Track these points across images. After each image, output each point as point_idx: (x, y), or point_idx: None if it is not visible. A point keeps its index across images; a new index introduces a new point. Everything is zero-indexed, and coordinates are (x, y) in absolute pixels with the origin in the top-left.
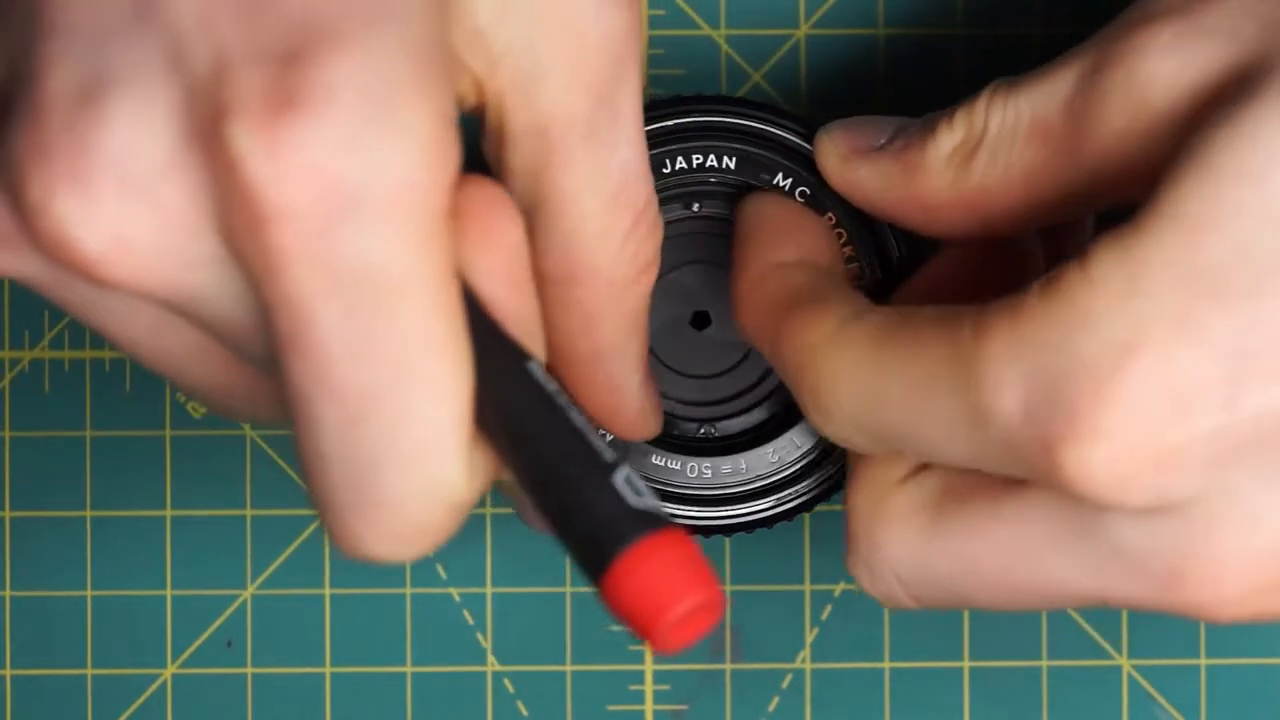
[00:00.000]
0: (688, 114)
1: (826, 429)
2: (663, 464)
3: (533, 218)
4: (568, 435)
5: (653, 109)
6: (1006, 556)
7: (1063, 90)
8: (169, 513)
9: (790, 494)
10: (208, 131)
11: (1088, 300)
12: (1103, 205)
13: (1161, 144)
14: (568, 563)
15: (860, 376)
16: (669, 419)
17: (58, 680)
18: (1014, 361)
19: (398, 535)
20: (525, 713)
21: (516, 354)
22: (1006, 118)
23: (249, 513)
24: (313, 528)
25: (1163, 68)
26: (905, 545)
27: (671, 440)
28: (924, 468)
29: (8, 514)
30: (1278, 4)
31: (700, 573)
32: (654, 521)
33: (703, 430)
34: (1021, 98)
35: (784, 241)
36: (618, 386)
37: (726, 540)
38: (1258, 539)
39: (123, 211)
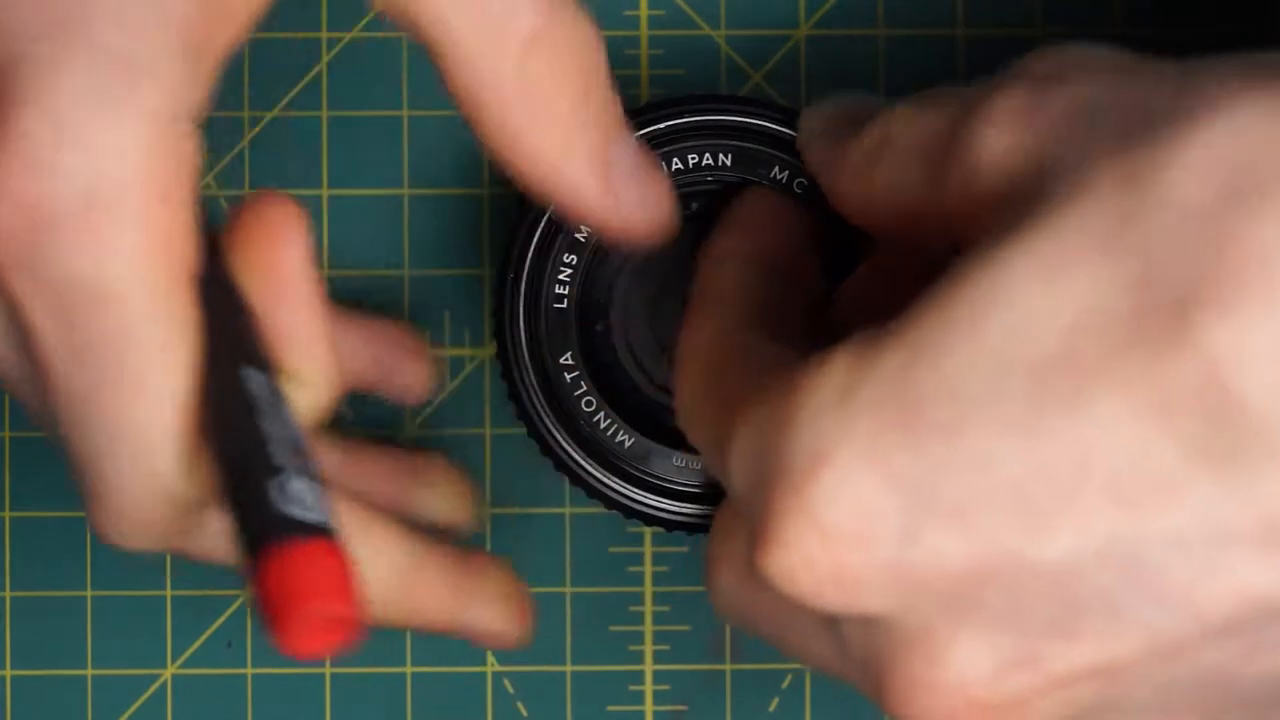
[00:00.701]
0: (679, 115)
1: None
2: (684, 465)
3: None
4: (250, 440)
5: (644, 112)
6: (772, 625)
7: (942, 123)
8: None
9: None
10: None
11: (809, 397)
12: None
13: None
14: (568, 563)
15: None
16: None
17: (58, 680)
18: (747, 440)
19: (126, 524)
20: (525, 713)
21: (236, 359)
22: (910, 131)
23: None
24: None
25: (996, 144)
26: (725, 583)
27: (674, 437)
28: None
29: (8, 514)
30: (1112, 120)
31: (337, 587)
32: (304, 529)
33: None
34: (929, 112)
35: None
36: (592, 172)
37: None
38: (942, 674)
39: None
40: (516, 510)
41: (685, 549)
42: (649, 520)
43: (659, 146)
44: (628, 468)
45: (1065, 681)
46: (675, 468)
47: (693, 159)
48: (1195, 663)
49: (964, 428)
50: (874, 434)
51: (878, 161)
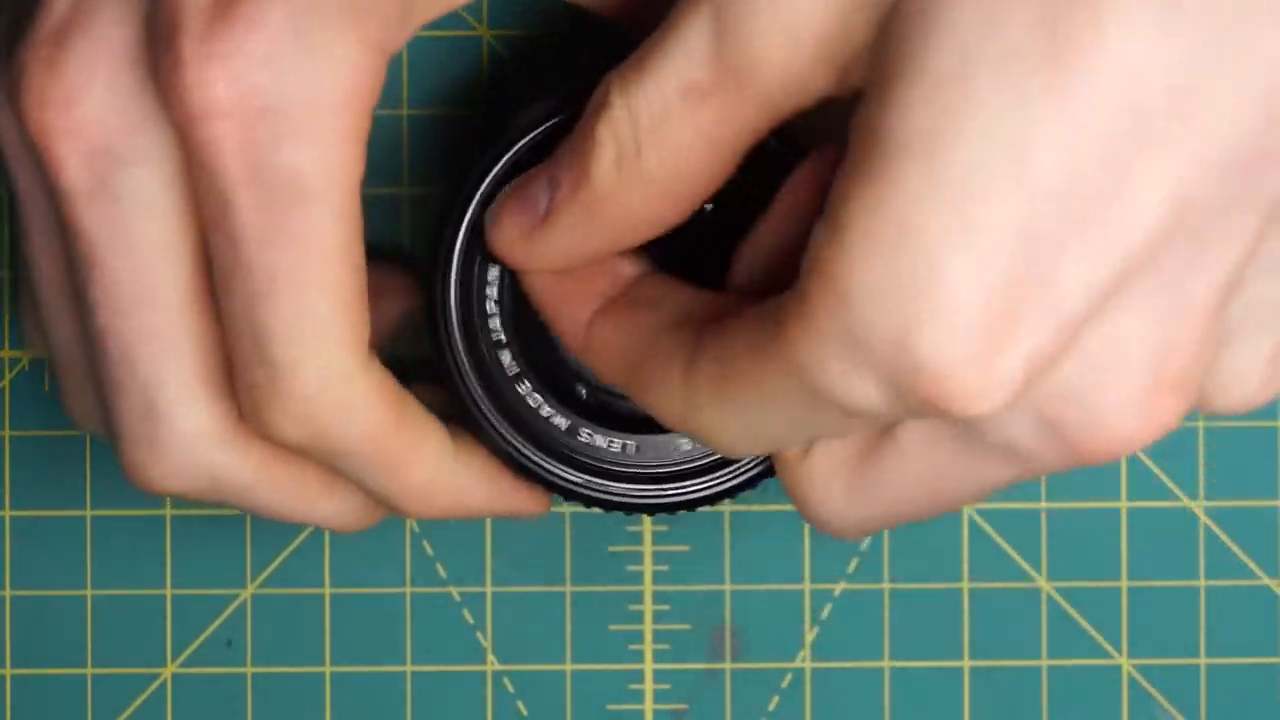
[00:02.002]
0: None
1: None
2: (592, 440)
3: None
4: None
5: (585, 91)
6: (929, 481)
7: (698, 49)
8: (169, 512)
9: (734, 470)
10: (165, 39)
11: (862, 264)
12: (796, 114)
13: (843, 42)
14: (568, 562)
15: (729, 424)
16: (606, 396)
17: (58, 680)
18: (823, 344)
19: (294, 410)
20: (525, 712)
21: None
22: (651, 102)
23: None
24: (313, 527)
25: None
26: (835, 507)
27: (605, 416)
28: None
29: (8, 514)
30: None
31: None
32: None
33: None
34: (653, 77)
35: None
36: None
37: (726, 539)
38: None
39: (84, 83)
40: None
41: (686, 548)
42: (589, 502)
43: None
44: (564, 450)
45: (1218, 309)
46: (583, 443)
47: None
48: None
49: (1021, 161)
50: (959, 219)
51: (637, 158)
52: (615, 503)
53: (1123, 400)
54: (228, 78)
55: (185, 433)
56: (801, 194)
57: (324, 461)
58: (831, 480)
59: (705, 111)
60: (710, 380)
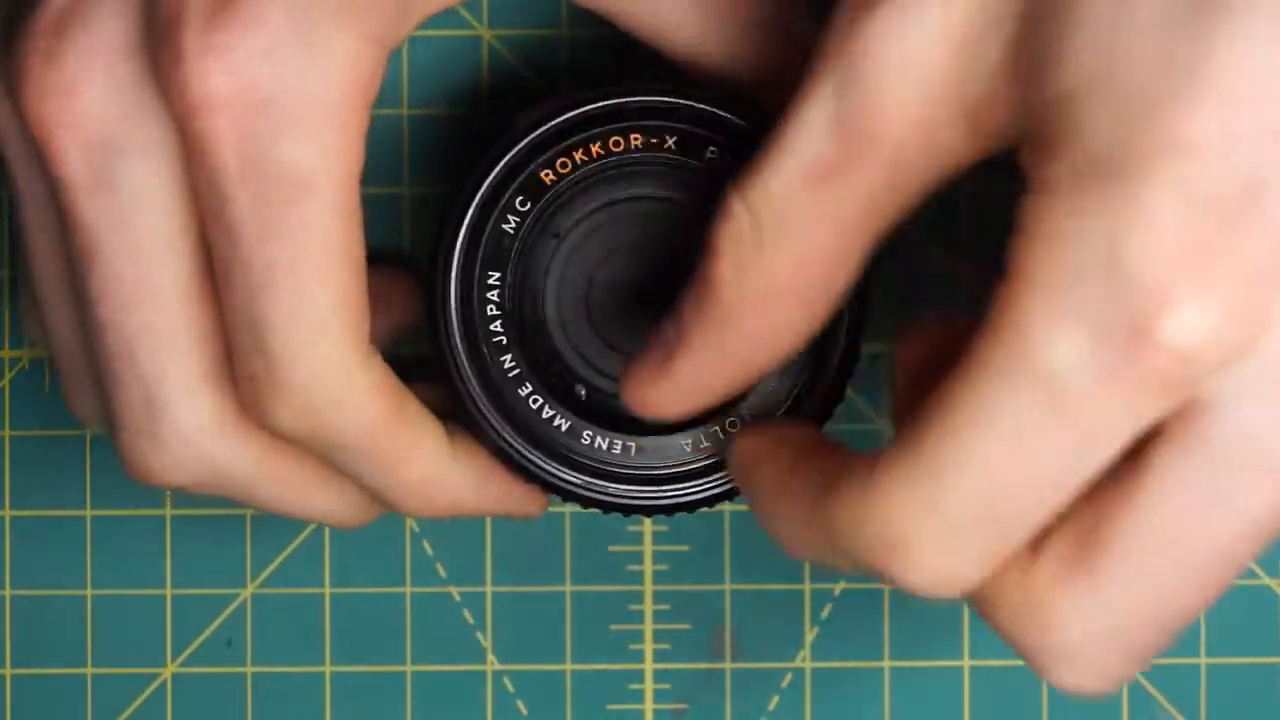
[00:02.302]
0: (619, 95)
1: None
2: (592, 441)
3: None
4: None
5: (586, 92)
6: (1182, 538)
7: (821, 121)
8: (169, 512)
9: (721, 477)
10: (166, 31)
11: (1066, 197)
12: (930, 187)
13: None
14: (568, 562)
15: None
16: (605, 397)
17: (58, 679)
18: (1053, 311)
19: (291, 401)
20: (525, 712)
21: None
22: (772, 195)
23: (249, 512)
24: (313, 526)
25: (912, 26)
26: (1071, 625)
27: (604, 418)
28: None
29: (8, 513)
30: None
31: None
32: None
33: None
34: (773, 166)
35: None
36: None
37: (726, 539)
38: None
39: (84, 75)
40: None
41: (686, 548)
42: (587, 503)
43: (600, 125)
44: (563, 450)
45: None
46: (584, 445)
47: (636, 139)
48: None
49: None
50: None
51: (759, 253)
52: (613, 504)
53: None
54: (228, 70)
55: (186, 426)
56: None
57: (321, 455)
58: (1060, 580)
59: (830, 192)
60: (893, 461)
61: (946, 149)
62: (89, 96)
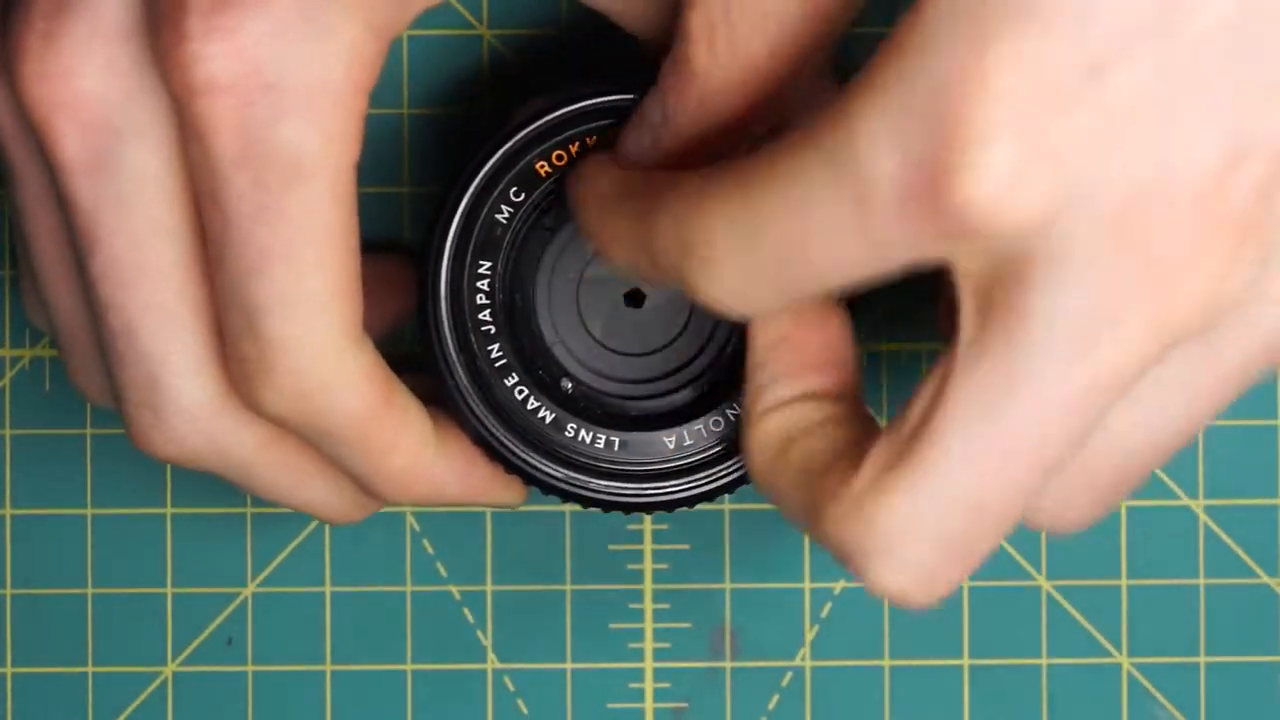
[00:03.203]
0: (617, 90)
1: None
2: (576, 435)
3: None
4: None
5: (584, 86)
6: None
7: None
8: (169, 510)
9: (714, 473)
10: (168, 13)
11: (931, 28)
12: None
13: None
14: (568, 562)
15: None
16: (591, 391)
17: (58, 678)
18: (882, 116)
19: (281, 383)
20: (525, 711)
21: None
22: None
23: (249, 510)
24: (313, 526)
25: None
26: (892, 520)
27: (590, 412)
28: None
29: (8, 512)
30: None
31: None
32: None
33: (631, 406)
34: None
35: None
36: None
37: (726, 538)
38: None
39: (82, 57)
40: (510, 510)
41: (686, 547)
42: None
43: (584, 123)
44: (547, 443)
45: None
46: (567, 438)
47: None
48: None
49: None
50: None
51: (731, 30)
52: (594, 499)
53: (1173, 215)
54: (231, 53)
55: (188, 402)
56: None
57: (307, 439)
58: (878, 479)
59: None
60: (713, 190)
61: None
62: (88, 78)
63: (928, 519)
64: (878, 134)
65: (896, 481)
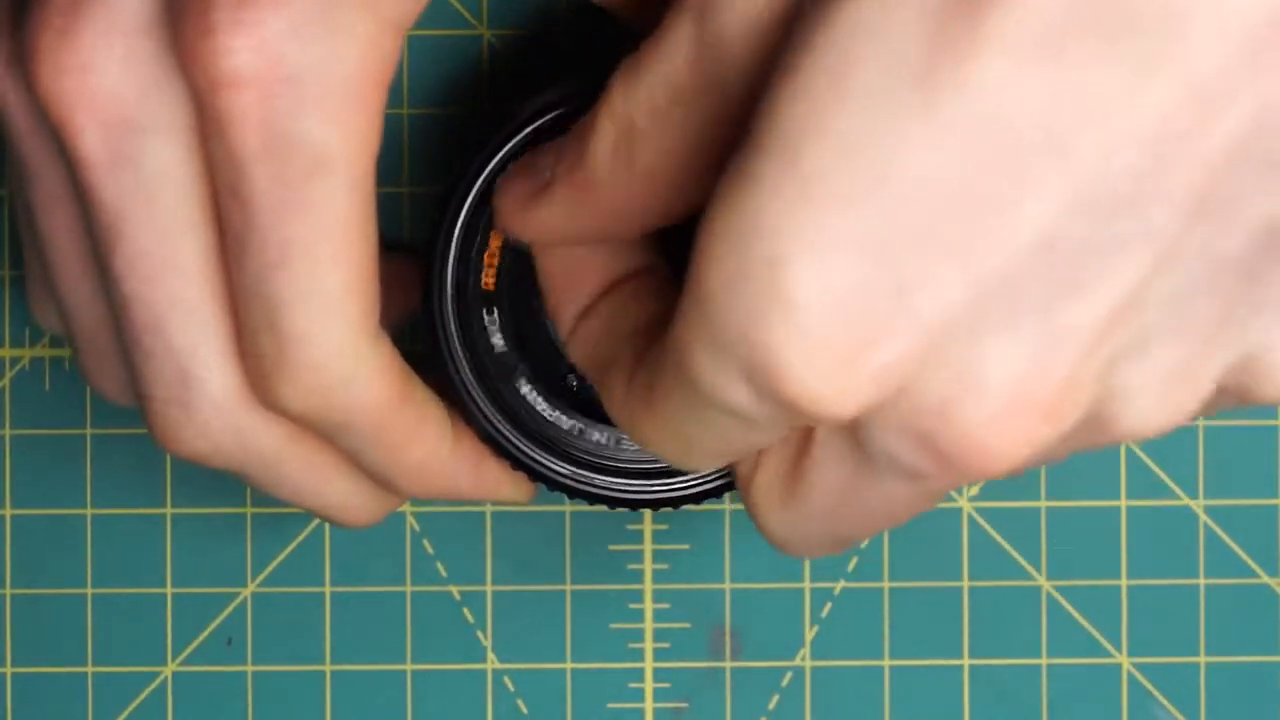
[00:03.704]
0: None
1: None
2: (582, 433)
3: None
4: None
5: (589, 82)
6: (846, 495)
7: (681, 51)
8: (169, 510)
9: (719, 469)
10: (190, 7)
11: (720, 263)
12: None
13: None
14: (568, 562)
15: (662, 436)
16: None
17: (58, 678)
18: (693, 340)
19: (298, 380)
20: (525, 711)
21: None
22: (642, 100)
23: (249, 510)
24: (313, 526)
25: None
26: (776, 520)
27: (595, 409)
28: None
29: (8, 512)
30: None
31: None
32: None
33: None
34: (646, 76)
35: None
36: None
37: (726, 538)
38: (993, 400)
39: (101, 52)
40: (516, 507)
41: (686, 546)
42: (573, 494)
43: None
44: (553, 441)
45: (1096, 340)
46: (600, 442)
47: None
48: (1193, 250)
49: (882, 173)
50: (811, 224)
51: (631, 148)
52: (599, 495)
53: (984, 418)
54: (253, 47)
55: (218, 394)
56: None
57: (325, 434)
58: (770, 495)
59: (693, 114)
60: (642, 390)
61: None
62: (107, 73)
63: (811, 536)
64: (709, 361)
65: (782, 510)
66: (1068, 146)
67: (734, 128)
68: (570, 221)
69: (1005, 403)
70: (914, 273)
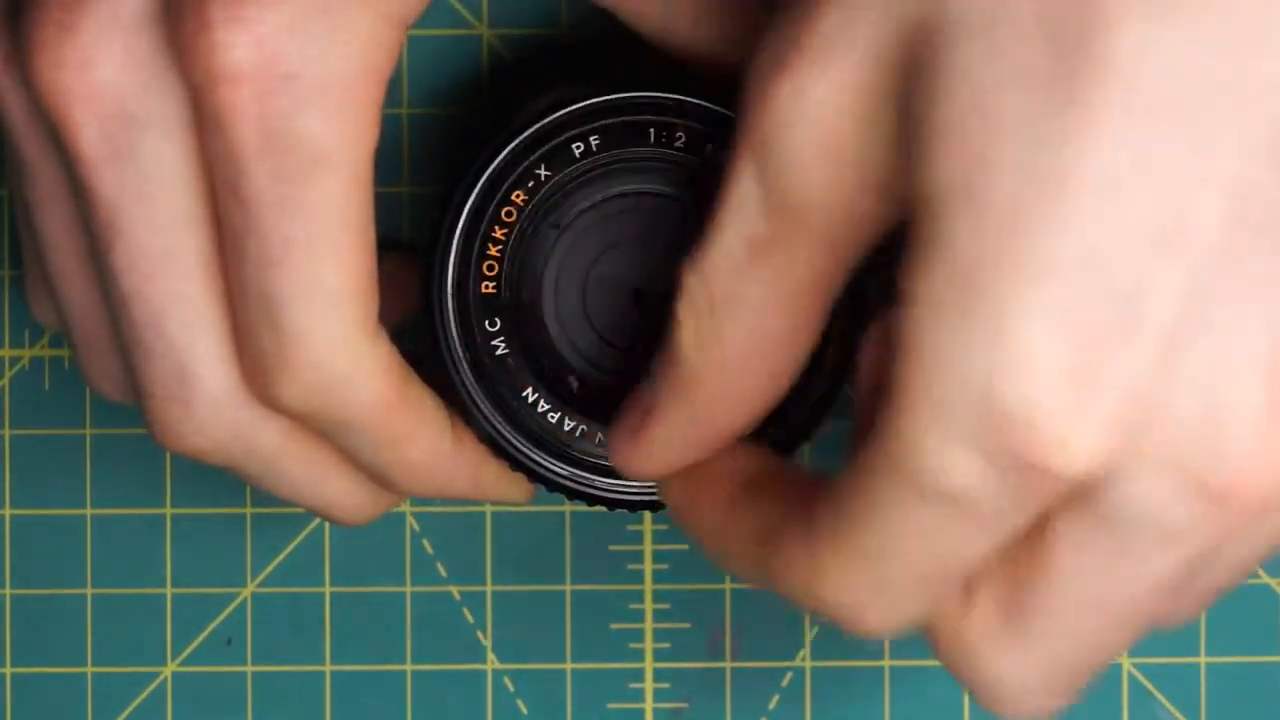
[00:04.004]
0: (625, 89)
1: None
2: (582, 434)
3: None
4: None
5: (591, 85)
6: (1092, 597)
7: (751, 202)
8: (169, 510)
9: None
10: (187, 2)
11: (938, 329)
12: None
13: (876, 146)
14: (568, 562)
15: (857, 578)
16: (597, 390)
17: (57, 678)
18: (915, 425)
19: (297, 377)
20: (525, 711)
21: None
22: (719, 268)
23: (249, 510)
24: (313, 526)
25: (812, 103)
26: (1004, 666)
27: (597, 410)
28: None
29: (8, 512)
30: None
31: None
32: None
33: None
34: (717, 243)
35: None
36: None
37: None
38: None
39: (101, 47)
40: (516, 508)
41: (686, 547)
42: (572, 494)
43: (591, 120)
44: (553, 441)
45: None
46: (600, 444)
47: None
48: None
49: (1066, 185)
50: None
51: (719, 328)
52: (598, 497)
53: (1244, 417)
54: (251, 43)
55: (218, 393)
56: (872, 357)
57: (324, 432)
58: (994, 632)
59: (772, 265)
60: (829, 533)
61: (870, 214)
62: (106, 68)
63: (1039, 679)
64: (942, 453)
65: (1008, 647)
66: (1225, 95)
67: (826, 266)
68: (684, 434)
69: (1265, 393)
70: (1130, 274)
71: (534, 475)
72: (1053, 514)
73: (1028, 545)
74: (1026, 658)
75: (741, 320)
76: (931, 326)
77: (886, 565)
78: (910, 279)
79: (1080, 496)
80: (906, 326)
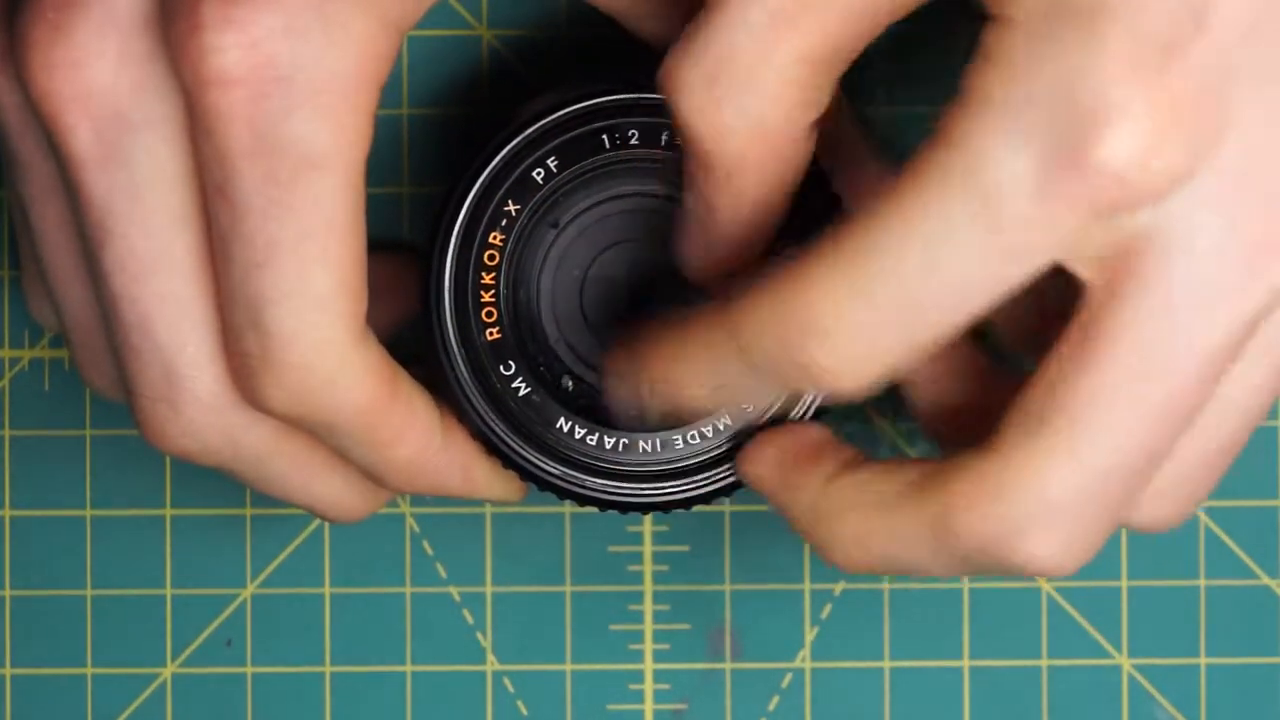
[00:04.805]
0: (624, 90)
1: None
2: (577, 434)
3: None
4: None
5: (591, 86)
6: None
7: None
8: (169, 512)
9: (712, 476)
10: (182, 4)
11: (1024, 36)
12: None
13: None
14: (568, 562)
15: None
16: (591, 390)
17: (57, 679)
18: (1000, 123)
19: (282, 380)
20: (525, 712)
21: None
22: (737, 41)
23: (249, 511)
24: (313, 526)
25: None
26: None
27: (592, 411)
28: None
29: (8, 513)
30: None
31: None
32: None
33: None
34: (739, 23)
35: None
36: None
37: (726, 539)
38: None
39: (94, 48)
40: (516, 509)
41: (686, 548)
42: (563, 494)
43: (594, 121)
44: (546, 441)
45: None
46: (594, 444)
47: (633, 134)
48: None
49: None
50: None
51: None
52: (589, 497)
53: None
54: (244, 45)
55: (205, 394)
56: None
57: (312, 433)
58: (1026, 456)
59: (798, 31)
60: (858, 248)
61: None
62: (99, 69)
63: (1075, 488)
64: (1003, 140)
65: (1044, 457)
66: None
67: (849, 25)
68: (737, 217)
69: None
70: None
71: (526, 474)
72: (1096, 305)
73: (1064, 351)
74: (1065, 470)
75: (764, 93)
76: (1023, 37)
77: (877, 281)
78: (1003, 5)
79: (1129, 267)
80: (994, 43)
